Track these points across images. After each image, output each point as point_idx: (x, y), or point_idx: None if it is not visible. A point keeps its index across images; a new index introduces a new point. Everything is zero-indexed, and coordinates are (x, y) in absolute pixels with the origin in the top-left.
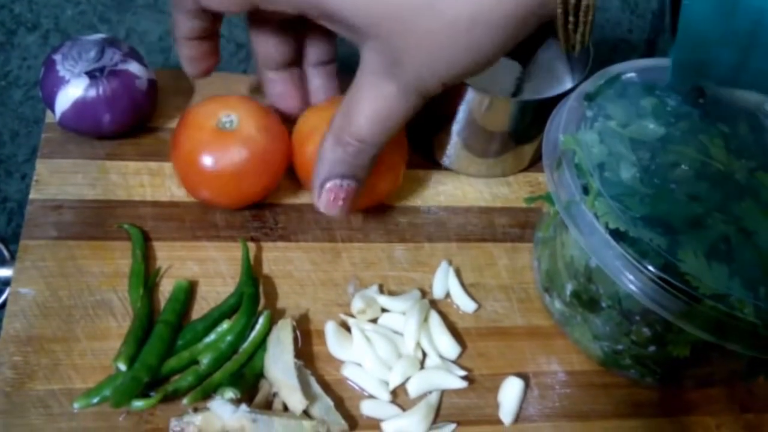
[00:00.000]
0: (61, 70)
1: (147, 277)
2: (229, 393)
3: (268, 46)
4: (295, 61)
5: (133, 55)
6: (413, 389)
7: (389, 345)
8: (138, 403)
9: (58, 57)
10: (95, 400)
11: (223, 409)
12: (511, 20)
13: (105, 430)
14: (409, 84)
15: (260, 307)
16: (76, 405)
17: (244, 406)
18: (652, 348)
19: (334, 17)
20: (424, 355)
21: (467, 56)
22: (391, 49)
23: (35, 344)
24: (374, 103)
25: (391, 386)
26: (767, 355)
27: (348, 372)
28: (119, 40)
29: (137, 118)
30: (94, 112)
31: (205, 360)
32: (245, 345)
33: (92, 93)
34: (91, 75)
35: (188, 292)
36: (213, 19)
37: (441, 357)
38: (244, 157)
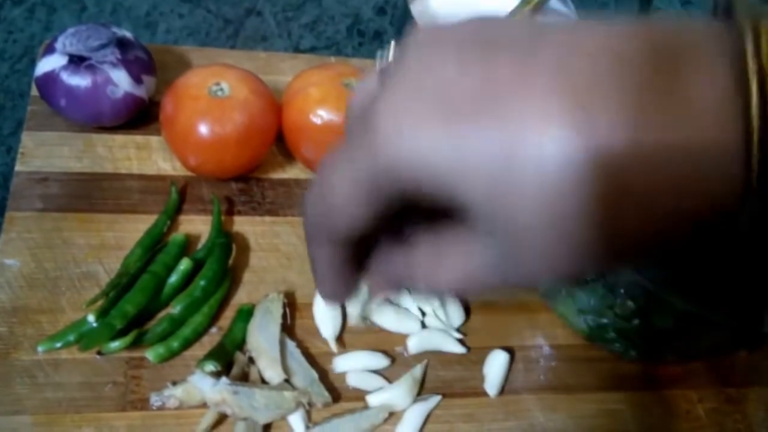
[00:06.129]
0: (60, 41)
1: (157, 243)
2: (210, 366)
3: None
4: None
5: (135, 66)
6: (413, 346)
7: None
8: (114, 344)
9: (71, 30)
10: (58, 345)
11: (203, 382)
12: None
13: (91, 399)
14: (509, 281)
15: (248, 281)
16: (40, 348)
17: (224, 379)
18: (635, 321)
19: (460, 206)
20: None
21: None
22: (501, 245)
23: (21, 315)
24: (466, 275)
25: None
26: (749, 326)
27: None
28: (138, 45)
29: (93, 118)
30: (55, 89)
31: (178, 306)
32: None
33: (62, 73)
34: (72, 58)
35: (183, 248)
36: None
37: (441, 320)
38: (244, 121)
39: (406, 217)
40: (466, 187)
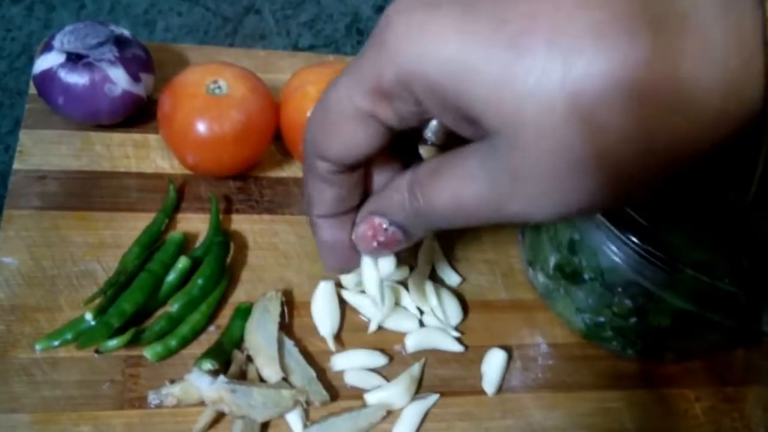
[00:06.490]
0: (58, 38)
1: (155, 241)
2: (207, 364)
3: (348, 188)
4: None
5: (133, 64)
6: (411, 345)
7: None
8: (111, 342)
9: (69, 28)
10: (56, 343)
11: (200, 380)
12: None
13: (88, 398)
14: (509, 213)
15: (246, 279)
16: (37, 346)
17: (222, 377)
18: (632, 320)
19: (463, 116)
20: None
21: (601, 197)
22: (510, 159)
23: (19, 313)
24: (462, 197)
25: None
26: (747, 325)
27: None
28: (136, 43)
29: (91, 116)
30: (53, 87)
31: (176, 304)
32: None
33: (60, 71)
34: (70, 56)
35: (181, 246)
36: (356, 180)
37: (439, 319)
38: (241, 119)
39: (405, 160)
40: (472, 91)
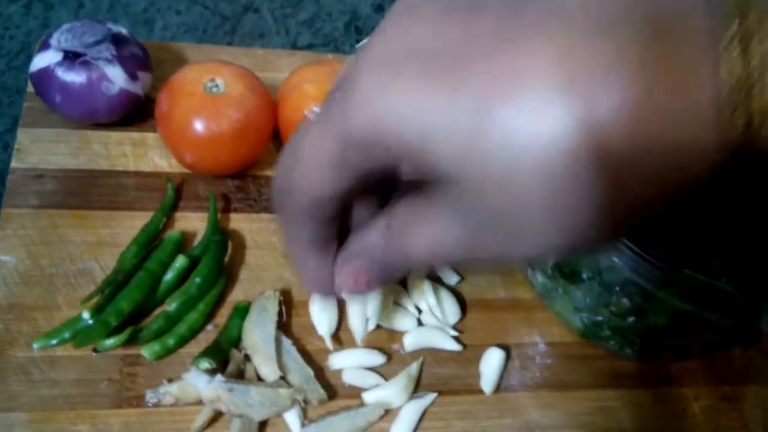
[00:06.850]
0: (56, 37)
1: (153, 240)
2: (205, 363)
3: (323, 226)
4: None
5: (130, 63)
6: (410, 344)
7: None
8: (109, 341)
9: (66, 26)
10: (54, 342)
11: (198, 379)
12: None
13: (86, 396)
14: (488, 255)
15: (244, 278)
16: (35, 345)
17: (219, 376)
18: (630, 319)
19: (430, 171)
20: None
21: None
22: (477, 210)
23: (16, 312)
24: (437, 243)
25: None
26: (745, 324)
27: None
28: (133, 41)
29: (89, 114)
30: (50, 86)
31: (174, 303)
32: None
33: (57, 69)
34: (67, 54)
35: (178, 245)
36: (332, 216)
37: (437, 318)
38: (239, 117)
39: (386, 192)
40: (437, 150)
